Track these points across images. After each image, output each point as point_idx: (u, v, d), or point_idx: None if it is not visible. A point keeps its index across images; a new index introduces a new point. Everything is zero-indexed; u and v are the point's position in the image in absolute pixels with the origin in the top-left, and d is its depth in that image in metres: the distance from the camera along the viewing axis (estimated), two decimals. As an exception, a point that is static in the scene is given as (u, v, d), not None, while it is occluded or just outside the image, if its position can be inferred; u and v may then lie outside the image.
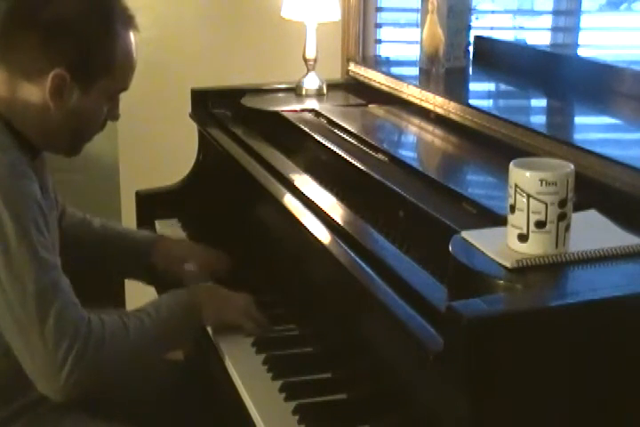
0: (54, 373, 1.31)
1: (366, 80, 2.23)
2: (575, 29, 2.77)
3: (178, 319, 1.50)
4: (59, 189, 1.67)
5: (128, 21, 1.48)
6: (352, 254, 1.35)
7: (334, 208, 1.54)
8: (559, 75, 1.96)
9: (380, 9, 2.85)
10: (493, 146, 1.62)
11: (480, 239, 1.12)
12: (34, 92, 1.42)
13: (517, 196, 1.05)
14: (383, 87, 2.12)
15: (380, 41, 2.86)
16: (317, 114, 2.03)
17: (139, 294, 1.96)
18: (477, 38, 2.31)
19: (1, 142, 1.40)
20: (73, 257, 1.55)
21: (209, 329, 1.63)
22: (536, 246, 1.06)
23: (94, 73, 1.44)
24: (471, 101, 1.86)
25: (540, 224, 1.05)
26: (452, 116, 1.79)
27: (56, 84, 1.41)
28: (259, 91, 2.29)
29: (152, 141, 3.01)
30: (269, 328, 1.57)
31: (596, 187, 1.30)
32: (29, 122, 1.45)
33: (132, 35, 1.49)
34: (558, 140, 1.48)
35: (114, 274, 1.98)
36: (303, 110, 2.09)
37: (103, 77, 1.45)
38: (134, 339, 1.41)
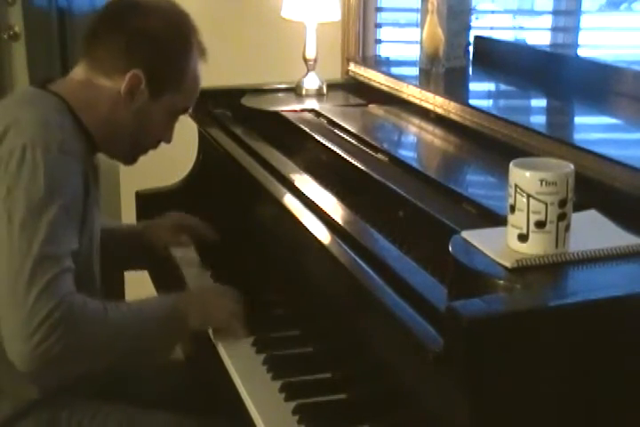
0: (27, 336, 1.30)
1: (366, 80, 2.23)
2: (575, 29, 2.76)
3: (158, 321, 1.50)
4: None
5: (202, 51, 1.63)
6: (352, 254, 1.35)
7: (334, 208, 1.54)
8: (559, 75, 1.96)
9: (379, 9, 2.85)
10: (493, 146, 1.62)
11: (480, 239, 1.12)
12: (108, 89, 1.53)
13: (517, 196, 1.05)
14: (383, 87, 2.12)
15: (379, 41, 2.86)
16: (317, 114, 2.03)
17: (139, 289, 1.96)
18: (477, 38, 2.30)
19: (63, 124, 1.46)
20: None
21: (209, 329, 1.63)
22: (536, 246, 1.06)
23: (166, 83, 1.56)
24: (471, 101, 1.86)
25: (540, 224, 1.05)
26: (452, 116, 1.79)
27: (132, 82, 1.52)
28: (259, 91, 2.29)
29: (152, 141, 3.00)
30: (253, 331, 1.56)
31: (596, 187, 1.30)
32: (97, 117, 1.53)
33: (201, 64, 1.63)
34: (558, 140, 1.48)
35: (113, 267, 1.94)
36: (303, 110, 2.09)
37: (172, 91, 1.58)
38: (111, 326, 1.41)
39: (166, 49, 1.55)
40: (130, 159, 1.66)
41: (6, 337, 1.34)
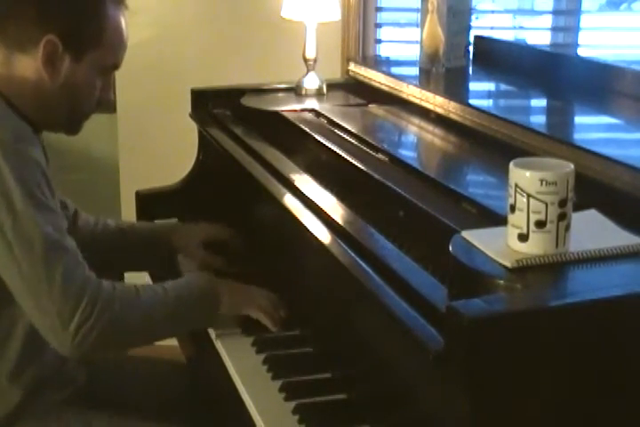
0: (62, 330, 1.33)
1: (366, 80, 2.23)
2: (575, 29, 2.77)
3: (194, 300, 1.51)
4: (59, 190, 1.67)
5: (120, 1, 1.53)
6: (352, 254, 1.35)
7: (334, 208, 1.54)
8: (559, 75, 1.96)
9: (379, 9, 2.85)
10: (493, 146, 1.62)
11: (480, 239, 1.12)
12: (28, 64, 1.46)
13: (517, 195, 1.05)
14: (383, 87, 2.12)
15: (379, 41, 2.87)
16: (317, 114, 2.03)
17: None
18: (477, 38, 2.31)
19: (4, 113, 1.43)
20: (92, 258, 1.56)
21: (209, 329, 1.64)
22: (536, 246, 1.06)
23: (85, 42, 1.48)
24: (471, 101, 1.86)
25: (540, 224, 1.05)
26: (452, 116, 1.79)
27: (48, 51, 1.44)
28: (259, 91, 2.29)
29: (152, 141, 3.01)
30: (282, 329, 1.58)
31: (596, 187, 1.30)
32: (26, 96, 1.47)
33: (121, 13, 1.53)
34: (558, 140, 1.48)
35: (136, 267, 1.99)
36: (303, 110, 2.09)
37: (93, 48, 1.49)
38: (145, 305, 1.43)
39: (76, 7, 1.48)
40: (73, 129, 1.59)
41: (45, 335, 1.36)
